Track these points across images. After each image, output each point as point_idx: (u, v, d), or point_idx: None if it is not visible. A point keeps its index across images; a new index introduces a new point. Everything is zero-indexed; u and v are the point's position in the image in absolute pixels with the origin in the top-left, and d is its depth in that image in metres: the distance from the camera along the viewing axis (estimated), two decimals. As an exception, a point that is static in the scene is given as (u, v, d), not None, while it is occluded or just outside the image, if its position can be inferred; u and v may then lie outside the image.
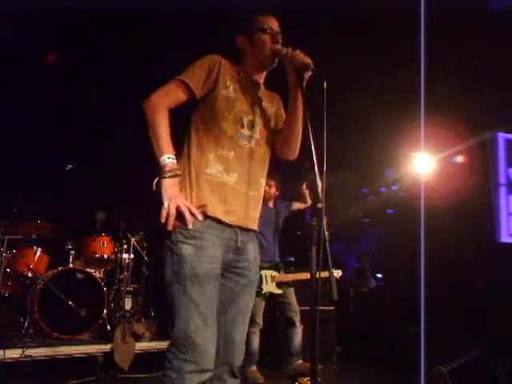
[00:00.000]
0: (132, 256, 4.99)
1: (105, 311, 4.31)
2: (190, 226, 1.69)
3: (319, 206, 1.61)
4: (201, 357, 1.67)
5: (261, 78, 2.05)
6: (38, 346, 3.81)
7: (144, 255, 5.20)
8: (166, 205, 1.66)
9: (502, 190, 4.86)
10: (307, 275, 4.57)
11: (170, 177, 1.68)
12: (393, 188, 6.90)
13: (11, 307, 4.51)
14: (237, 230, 1.85)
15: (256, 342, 4.18)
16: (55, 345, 3.91)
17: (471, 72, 4.41)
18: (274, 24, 1.99)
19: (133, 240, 4.97)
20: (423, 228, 4.43)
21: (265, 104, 2.01)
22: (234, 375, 1.88)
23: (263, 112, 1.99)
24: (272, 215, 4.39)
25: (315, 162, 1.67)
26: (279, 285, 4.25)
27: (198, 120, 1.87)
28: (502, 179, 4.87)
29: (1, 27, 4.38)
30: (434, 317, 4.16)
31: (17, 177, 5.20)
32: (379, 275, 7.07)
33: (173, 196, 1.67)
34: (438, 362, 3.57)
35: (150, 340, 4.35)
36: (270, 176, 4.48)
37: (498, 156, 4.90)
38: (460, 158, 5.19)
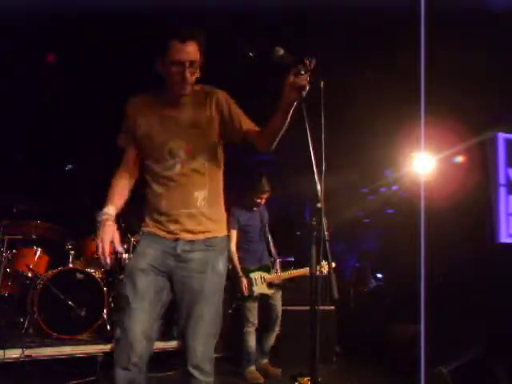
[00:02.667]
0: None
1: (105, 311, 4.31)
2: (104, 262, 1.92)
3: (319, 205, 1.61)
4: (126, 351, 1.88)
5: (181, 96, 2.05)
6: (38, 346, 3.81)
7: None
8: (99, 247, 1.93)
9: (502, 190, 4.86)
10: (297, 273, 4.61)
11: (100, 222, 1.98)
12: (393, 188, 6.90)
13: (11, 307, 4.50)
14: (178, 242, 2.02)
15: (252, 341, 4.20)
16: (55, 345, 3.91)
17: (471, 72, 4.41)
18: (187, 54, 1.93)
19: (133, 240, 4.96)
20: (423, 228, 4.43)
21: (192, 117, 2.04)
22: (189, 371, 1.95)
23: (189, 128, 2.03)
24: (257, 219, 4.42)
25: (314, 162, 1.66)
26: (270, 285, 4.28)
27: (142, 162, 2.14)
28: (502, 179, 4.87)
29: (1, 27, 4.38)
30: (434, 317, 4.15)
31: (17, 177, 5.19)
32: (379, 275, 7.07)
33: (99, 238, 1.94)
34: (438, 362, 3.57)
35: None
36: (262, 185, 4.51)
37: (497, 156, 4.90)
38: (460, 158, 5.19)
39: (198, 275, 1.98)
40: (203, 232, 2.03)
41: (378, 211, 7.22)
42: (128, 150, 2.13)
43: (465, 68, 4.40)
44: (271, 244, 4.51)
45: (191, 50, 1.93)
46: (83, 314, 4.17)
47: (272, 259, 4.46)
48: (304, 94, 1.77)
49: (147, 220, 2.09)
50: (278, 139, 2.00)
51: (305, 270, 4.35)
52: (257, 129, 2.08)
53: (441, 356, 3.71)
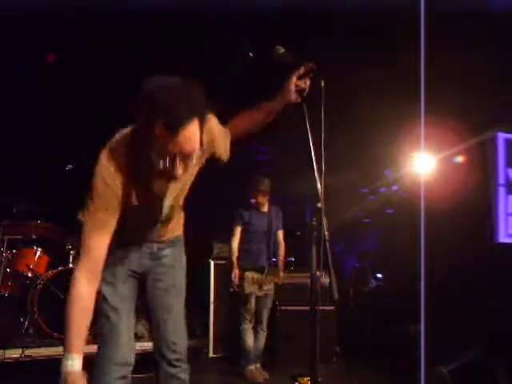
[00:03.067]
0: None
1: (105, 311, 4.30)
2: None
3: (319, 205, 1.61)
4: (114, 349, 1.83)
5: None
6: (38, 346, 3.82)
7: None
8: None
9: (501, 190, 4.85)
10: (296, 278, 4.60)
11: (66, 370, 1.46)
12: (393, 188, 6.90)
13: (11, 307, 4.50)
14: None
15: (249, 339, 4.22)
16: (55, 345, 3.92)
17: (471, 72, 4.41)
18: (190, 139, 1.44)
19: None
20: (423, 228, 4.43)
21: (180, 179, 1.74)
22: (170, 364, 2.01)
23: (176, 188, 1.80)
24: (264, 221, 4.40)
25: (314, 161, 1.67)
26: (261, 287, 4.28)
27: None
28: (502, 179, 4.86)
29: (0, 26, 4.38)
30: (434, 317, 4.15)
31: (17, 177, 5.19)
32: (379, 275, 7.07)
33: None
34: (438, 362, 3.57)
35: (149, 340, 4.35)
36: (257, 184, 4.50)
37: (497, 156, 4.90)
38: (460, 158, 5.19)
39: (171, 270, 2.02)
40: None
41: (377, 211, 7.21)
42: (105, 235, 1.58)
43: (465, 68, 4.40)
44: (280, 248, 4.51)
45: (193, 135, 1.45)
46: (83, 313, 4.16)
47: (270, 262, 4.45)
48: (304, 95, 1.77)
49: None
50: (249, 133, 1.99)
51: (304, 276, 4.35)
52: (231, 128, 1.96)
53: (441, 356, 3.71)
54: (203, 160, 1.83)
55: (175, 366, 2.00)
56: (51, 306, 4.09)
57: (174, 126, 1.39)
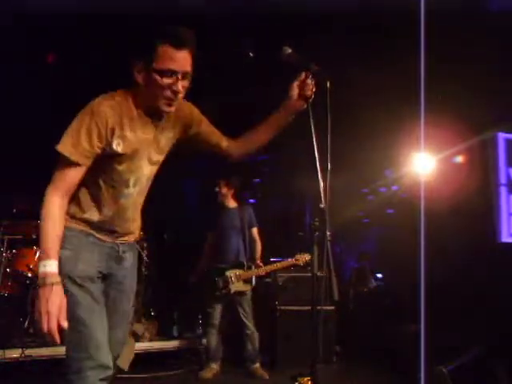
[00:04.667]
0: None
1: (105, 311, 4.30)
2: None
3: (322, 206, 1.61)
4: (96, 351, 1.71)
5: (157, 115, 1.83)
6: (38, 346, 3.81)
7: (144, 255, 5.20)
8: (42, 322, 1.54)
9: (503, 190, 4.86)
10: (281, 265, 4.66)
11: (44, 285, 1.59)
12: (393, 188, 6.90)
13: (11, 307, 4.50)
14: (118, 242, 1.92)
15: (213, 341, 4.27)
16: (55, 345, 3.90)
17: (471, 72, 4.41)
18: (182, 62, 1.66)
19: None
20: (423, 228, 4.43)
21: (163, 138, 1.88)
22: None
23: (157, 151, 1.87)
24: (236, 218, 4.47)
25: (317, 161, 1.66)
26: (246, 282, 4.32)
27: (86, 176, 1.78)
28: (503, 179, 4.87)
29: (0, 26, 4.38)
30: (434, 317, 4.15)
31: (17, 177, 5.19)
32: (379, 275, 7.07)
33: (48, 313, 1.55)
34: (438, 361, 3.57)
35: (149, 340, 4.36)
36: (220, 176, 4.66)
37: (498, 156, 4.90)
38: (460, 158, 5.19)
39: (130, 273, 1.99)
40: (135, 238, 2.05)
41: (377, 211, 7.22)
42: (77, 170, 1.69)
43: (465, 68, 4.40)
44: (256, 246, 4.54)
45: (187, 58, 1.66)
46: (83, 314, 4.16)
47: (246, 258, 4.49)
48: (310, 101, 1.77)
49: (79, 217, 1.82)
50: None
51: (288, 262, 4.39)
52: (224, 137, 2.01)
53: (441, 356, 3.71)
54: (178, 132, 1.90)
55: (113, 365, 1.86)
56: (51, 306, 4.08)
57: (179, 42, 1.62)
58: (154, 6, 4.13)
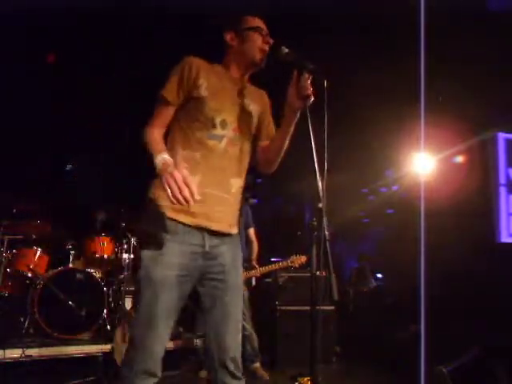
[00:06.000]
0: (132, 256, 4.98)
1: (105, 311, 4.30)
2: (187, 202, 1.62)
3: (319, 205, 1.61)
4: (151, 358, 1.72)
5: (244, 76, 2.02)
6: (38, 346, 3.81)
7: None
8: (163, 180, 1.65)
9: (502, 190, 4.86)
10: (276, 266, 4.61)
11: (160, 161, 1.71)
12: (393, 188, 6.91)
13: (11, 307, 4.50)
14: (204, 234, 1.82)
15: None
16: (55, 345, 3.91)
17: (471, 72, 4.41)
18: (263, 25, 2.00)
19: (133, 240, 4.96)
20: (423, 228, 4.43)
21: (246, 101, 1.97)
22: (234, 376, 1.84)
23: (242, 110, 1.94)
24: None
25: (315, 161, 1.66)
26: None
27: (174, 122, 1.91)
28: (502, 179, 4.87)
29: (0, 26, 4.38)
30: (434, 317, 4.15)
31: (17, 177, 5.19)
32: (379, 275, 7.08)
33: (164, 168, 1.68)
34: (438, 361, 3.57)
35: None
36: None
37: (497, 156, 4.90)
38: (460, 158, 5.19)
39: (231, 269, 1.89)
40: (229, 225, 1.91)
41: (377, 211, 7.22)
42: (169, 108, 1.88)
43: (465, 68, 4.40)
44: (253, 246, 4.52)
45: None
46: (83, 314, 4.16)
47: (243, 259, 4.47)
48: (310, 102, 1.76)
49: (161, 196, 1.77)
50: (279, 158, 1.99)
51: (284, 264, 4.37)
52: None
53: (441, 356, 3.71)
54: (262, 114, 2.03)
55: (238, 379, 1.84)
56: (51, 306, 4.08)
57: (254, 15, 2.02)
58: (154, 6, 4.13)
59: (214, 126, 1.85)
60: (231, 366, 1.82)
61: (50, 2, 4.09)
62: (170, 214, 1.78)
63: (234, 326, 1.88)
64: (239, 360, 1.87)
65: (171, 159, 1.71)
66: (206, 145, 1.84)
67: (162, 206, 1.78)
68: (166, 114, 1.88)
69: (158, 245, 1.74)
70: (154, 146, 1.78)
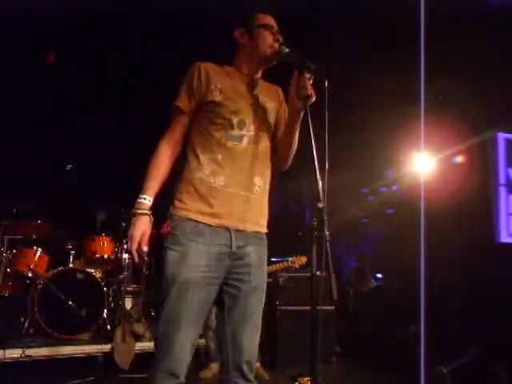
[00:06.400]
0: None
1: (105, 311, 4.30)
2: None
3: (320, 205, 1.61)
4: (171, 358, 1.70)
5: (257, 73, 2.01)
6: (38, 346, 3.81)
7: (144, 255, 5.19)
8: (128, 244, 1.85)
9: (502, 190, 4.86)
10: (277, 266, 4.57)
11: (134, 215, 1.80)
12: (393, 188, 6.90)
13: (11, 307, 4.50)
14: (231, 234, 1.82)
15: (211, 342, 4.21)
16: (55, 345, 3.91)
17: (471, 72, 4.41)
18: (274, 23, 1.99)
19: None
20: (423, 228, 4.43)
21: (262, 99, 1.96)
22: (246, 379, 1.83)
23: (259, 108, 1.94)
24: None
25: (316, 161, 1.66)
26: None
27: (193, 128, 1.92)
28: (502, 179, 4.87)
29: (0, 26, 4.38)
30: (434, 317, 4.15)
31: (17, 177, 5.19)
32: (379, 275, 7.07)
33: (132, 237, 1.81)
34: (438, 361, 3.57)
35: (150, 340, 4.35)
36: None
37: (497, 156, 4.90)
38: (460, 158, 5.19)
39: (256, 270, 1.88)
40: (256, 224, 1.92)
41: (377, 211, 7.22)
42: (183, 117, 1.90)
43: (465, 68, 4.40)
44: None
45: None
46: (83, 314, 4.16)
47: None
48: (310, 102, 1.75)
49: (186, 200, 1.82)
50: (291, 154, 2.00)
51: (283, 264, 4.37)
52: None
53: (441, 356, 3.71)
54: (279, 110, 2.03)
55: (250, 382, 1.82)
56: (51, 306, 4.08)
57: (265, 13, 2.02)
58: (154, 6, 4.13)
59: (231, 127, 1.85)
60: (245, 369, 1.81)
61: (49, 2, 4.09)
62: (195, 216, 1.80)
63: (253, 328, 1.86)
64: (254, 364, 1.85)
65: (148, 204, 1.81)
66: (226, 146, 1.84)
67: (187, 210, 1.81)
68: (182, 124, 1.90)
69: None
70: (148, 177, 1.83)
